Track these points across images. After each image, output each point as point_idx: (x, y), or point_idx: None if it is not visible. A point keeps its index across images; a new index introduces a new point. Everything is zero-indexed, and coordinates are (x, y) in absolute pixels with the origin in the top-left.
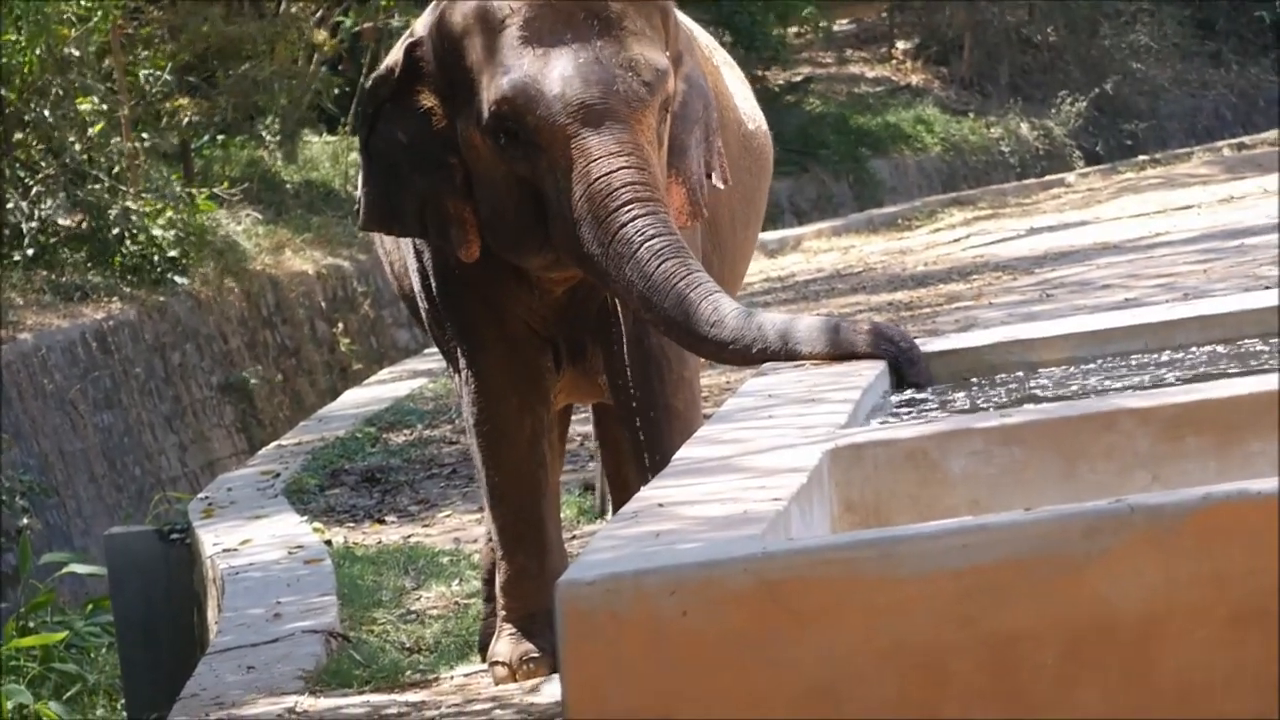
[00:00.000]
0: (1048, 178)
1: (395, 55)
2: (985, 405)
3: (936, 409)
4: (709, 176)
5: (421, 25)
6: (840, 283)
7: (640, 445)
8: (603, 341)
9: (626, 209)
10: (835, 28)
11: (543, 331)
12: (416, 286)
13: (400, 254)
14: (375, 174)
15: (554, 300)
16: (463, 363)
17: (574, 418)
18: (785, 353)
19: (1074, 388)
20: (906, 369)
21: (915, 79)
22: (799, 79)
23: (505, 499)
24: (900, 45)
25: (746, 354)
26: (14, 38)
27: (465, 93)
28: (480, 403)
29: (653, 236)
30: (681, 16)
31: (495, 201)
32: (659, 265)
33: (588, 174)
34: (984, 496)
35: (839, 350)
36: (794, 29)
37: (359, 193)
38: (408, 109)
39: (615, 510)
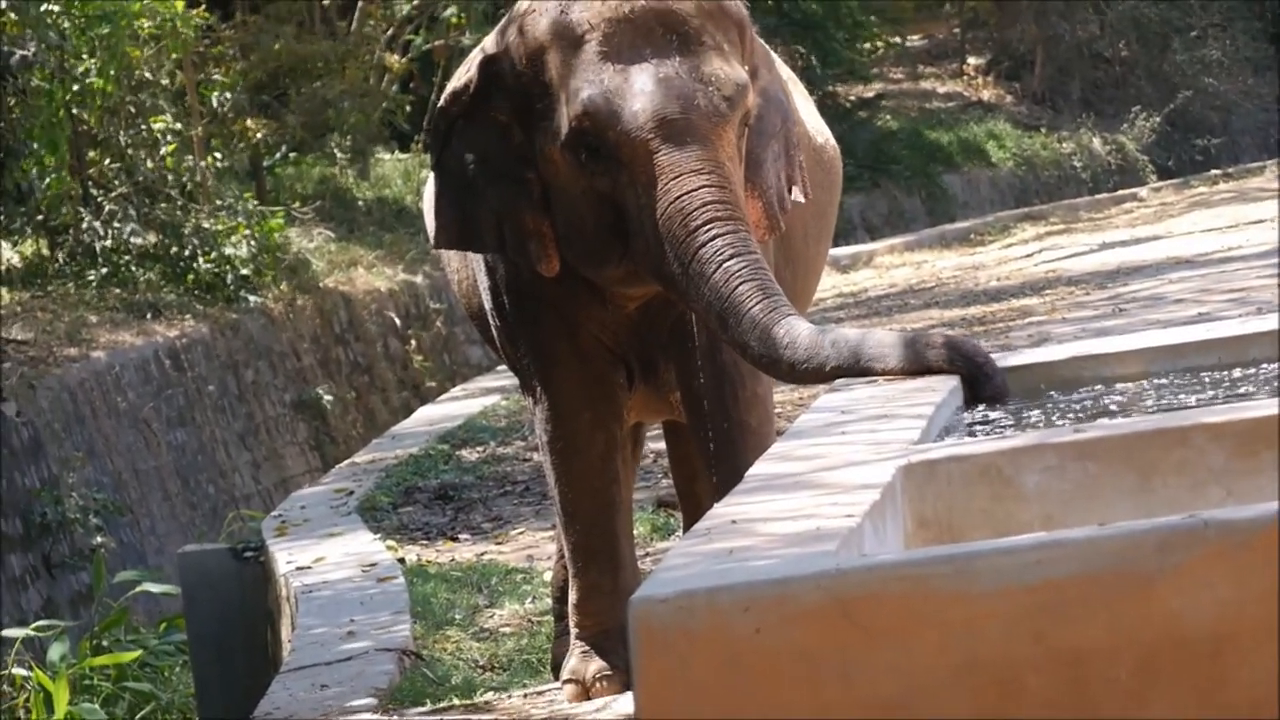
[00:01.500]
0: (1120, 192)
1: (469, 72)
2: (1059, 420)
3: (1010, 424)
4: (789, 190)
5: (493, 42)
6: (912, 298)
7: (714, 462)
8: (675, 358)
9: (706, 229)
10: (907, 43)
11: (615, 348)
12: (488, 304)
13: (469, 272)
14: (449, 191)
15: (627, 316)
16: (535, 379)
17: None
18: (859, 368)
19: (1147, 403)
20: (982, 383)
21: (987, 94)
22: (871, 95)
23: (578, 515)
24: (972, 61)
25: (820, 372)
26: (89, 60)
27: (543, 108)
28: (552, 419)
29: (730, 258)
30: None
31: (574, 216)
32: (736, 288)
33: (668, 190)
34: (1058, 512)
35: (913, 365)
36: (866, 45)
37: (428, 210)
38: (482, 125)
39: (687, 527)
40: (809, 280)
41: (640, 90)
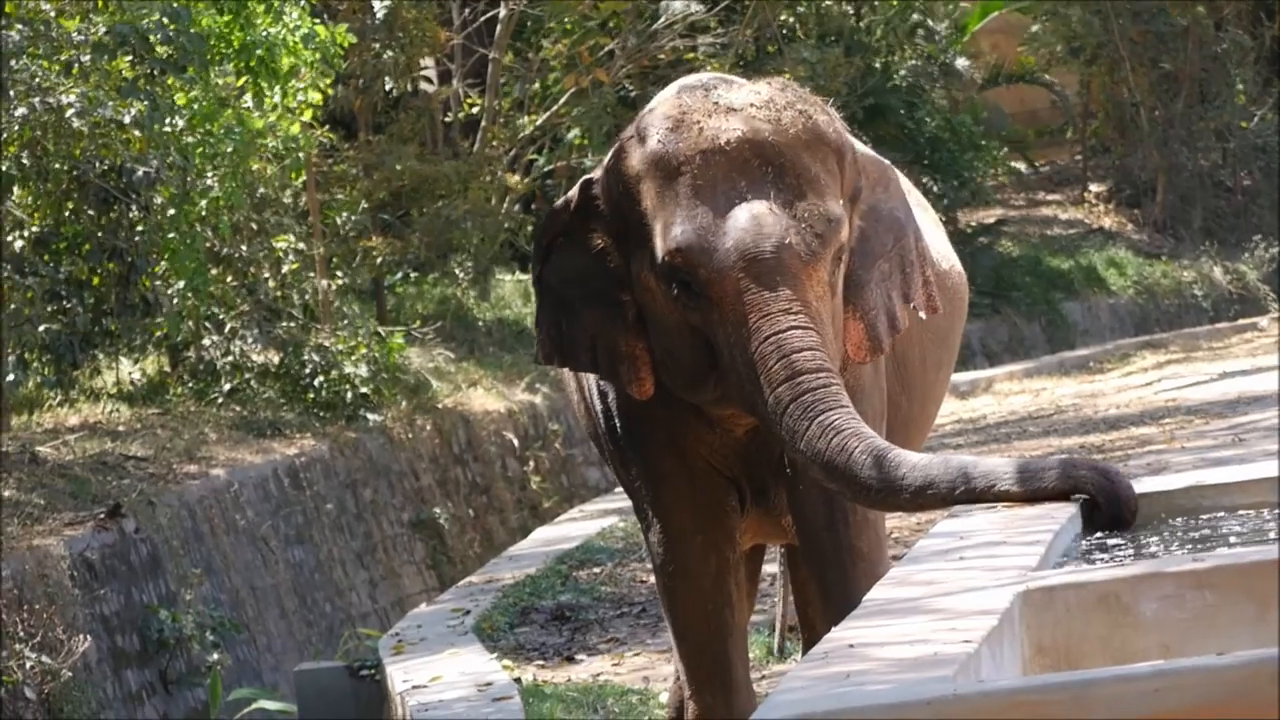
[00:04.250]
0: (1240, 321)
1: (572, 192)
2: (1177, 549)
3: (1128, 552)
4: (907, 304)
5: (601, 165)
6: (1031, 425)
7: (826, 587)
8: (786, 482)
9: (795, 382)
10: (1030, 169)
11: (726, 471)
12: (602, 426)
13: (587, 393)
14: (547, 307)
15: (736, 440)
16: (646, 501)
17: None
18: (976, 494)
19: (1267, 532)
20: (1106, 503)
21: (1108, 221)
22: (992, 220)
23: (690, 637)
24: (1094, 188)
25: (938, 499)
26: (212, 178)
27: (639, 236)
28: (664, 541)
29: (822, 412)
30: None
31: (669, 343)
32: (832, 440)
33: (758, 332)
34: (1175, 641)
35: (1028, 487)
36: (989, 169)
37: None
38: (581, 245)
39: (805, 651)
40: (927, 407)
41: (732, 228)
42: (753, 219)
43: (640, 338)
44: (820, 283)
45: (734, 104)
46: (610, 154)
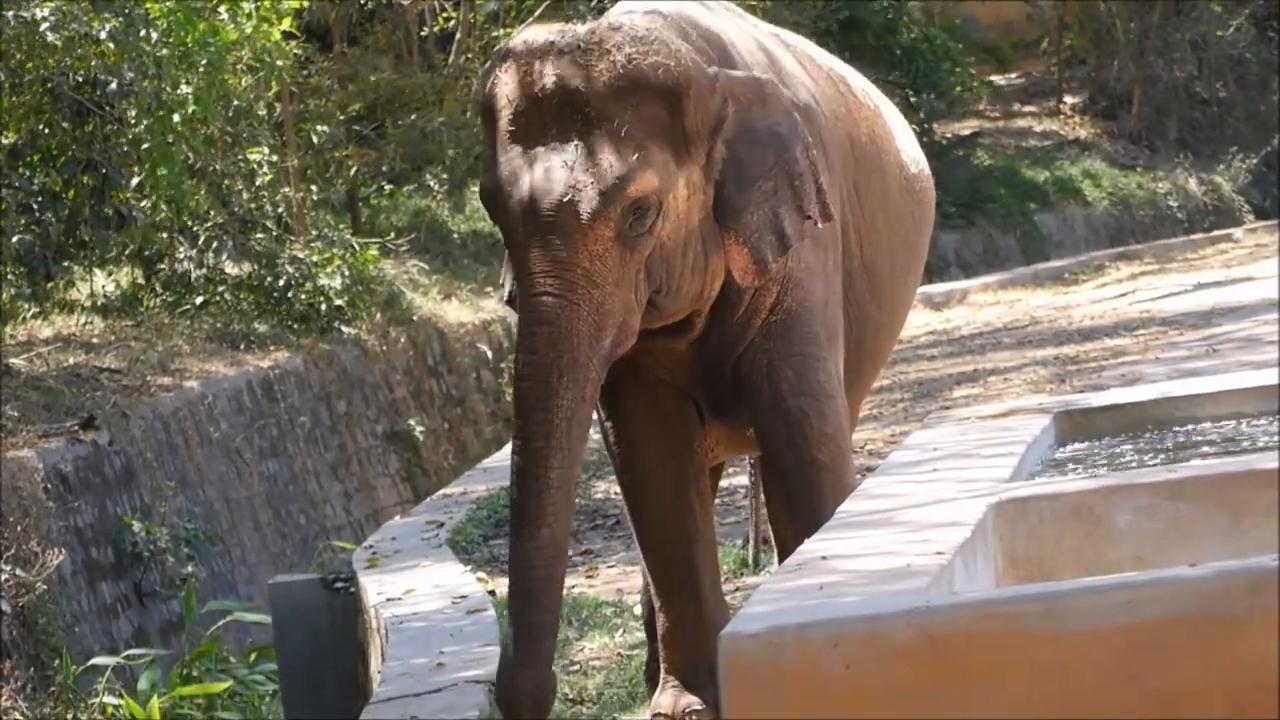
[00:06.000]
0: (1215, 233)
1: None
2: (1151, 460)
3: (1102, 464)
4: (803, 216)
5: None
6: (1006, 336)
7: (791, 500)
8: (743, 398)
9: (524, 360)
10: (1003, 82)
11: (679, 384)
12: None
13: None
14: None
15: (681, 354)
16: (604, 413)
17: (729, 469)
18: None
19: (1240, 443)
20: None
21: (1083, 133)
22: (968, 133)
23: (655, 547)
24: (1069, 100)
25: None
26: (186, 89)
27: None
28: (622, 453)
29: (522, 411)
30: (833, 61)
31: None
32: (518, 444)
33: (523, 291)
34: (1149, 552)
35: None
36: (962, 84)
37: None
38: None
39: (779, 562)
40: (897, 312)
41: (521, 183)
42: (541, 174)
43: None
44: (600, 241)
45: (565, 47)
46: None
